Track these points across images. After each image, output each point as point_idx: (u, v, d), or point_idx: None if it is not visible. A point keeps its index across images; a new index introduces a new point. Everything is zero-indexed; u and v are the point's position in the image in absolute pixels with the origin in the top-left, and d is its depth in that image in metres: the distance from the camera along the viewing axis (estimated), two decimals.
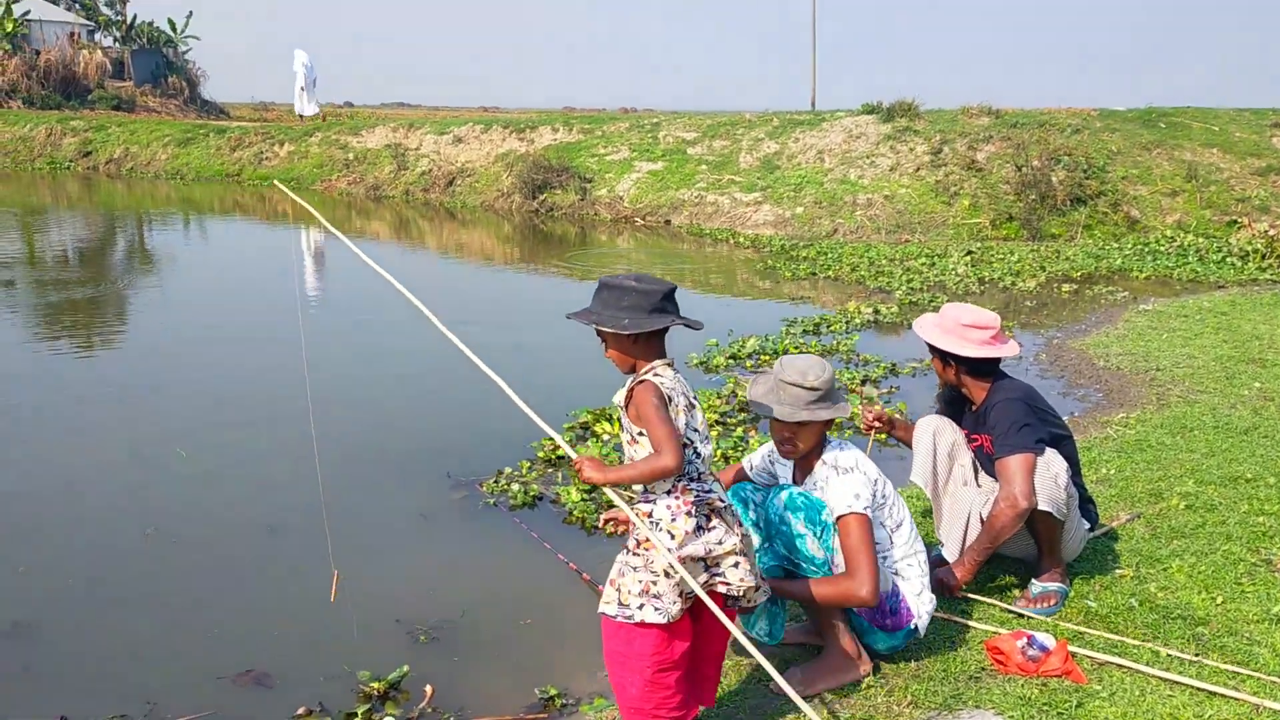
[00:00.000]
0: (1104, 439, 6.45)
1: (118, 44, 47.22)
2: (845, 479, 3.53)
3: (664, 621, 2.92)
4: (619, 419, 3.09)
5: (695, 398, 3.06)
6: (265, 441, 6.76)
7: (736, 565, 3.04)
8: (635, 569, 2.97)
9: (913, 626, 3.70)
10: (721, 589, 3.03)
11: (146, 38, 47.21)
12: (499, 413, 7.35)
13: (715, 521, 3.00)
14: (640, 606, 2.93)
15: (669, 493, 2.99)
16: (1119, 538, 4.83)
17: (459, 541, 5.27)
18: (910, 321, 10.06)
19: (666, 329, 3.02)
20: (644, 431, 2.95)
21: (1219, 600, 4.18)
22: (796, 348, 9.09)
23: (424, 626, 4.31)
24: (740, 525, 3.08)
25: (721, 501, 3.03)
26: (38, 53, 40.24)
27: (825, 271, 13.73)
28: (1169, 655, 3.77)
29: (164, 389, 8.10)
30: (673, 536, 2.95)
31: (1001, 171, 17.47)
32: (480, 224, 19.77)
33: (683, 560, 2.93)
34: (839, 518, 3.48)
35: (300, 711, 3.68)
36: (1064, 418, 7.01)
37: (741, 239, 17.10)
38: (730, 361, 8.65)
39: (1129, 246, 15.46)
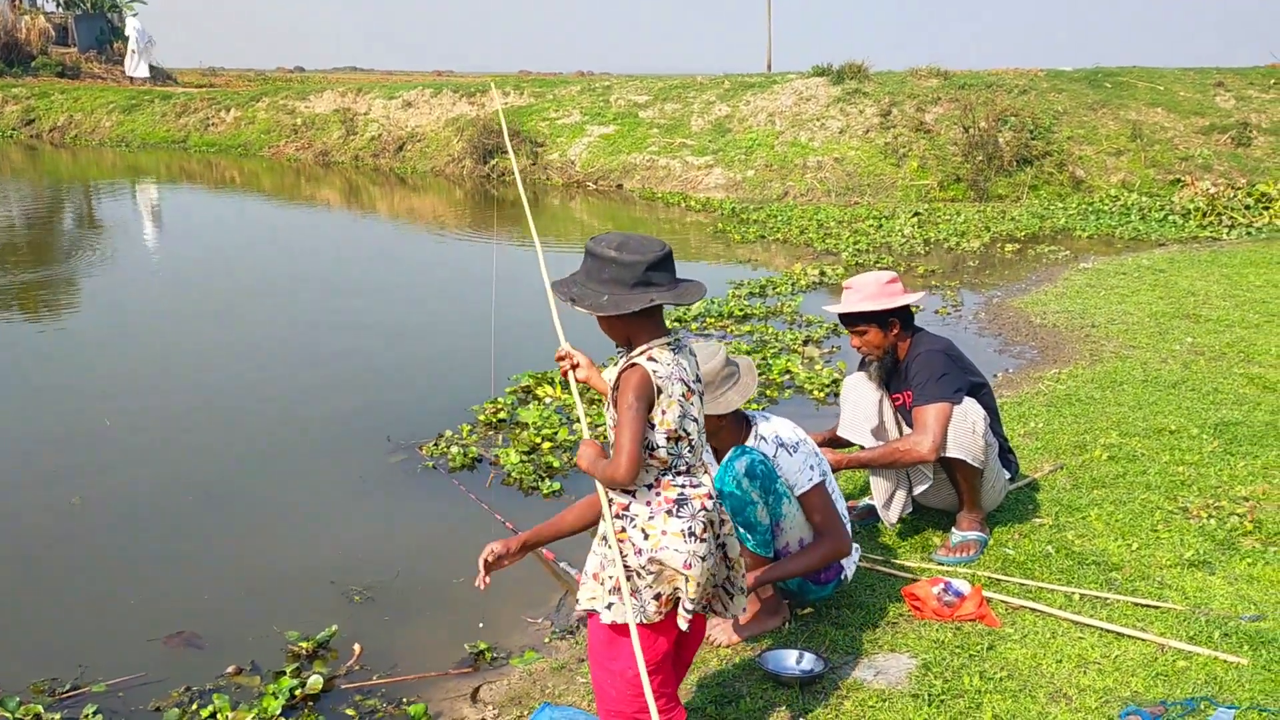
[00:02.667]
0: (1035, 394, 6.58)
1: (61, 9, 46.11)
2: (797, 455, 3.62)
3: (639, 621, 2.69)
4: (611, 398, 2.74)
5: (696, 381, 2.74)
6: (199, 410, 6.74)
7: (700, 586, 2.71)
8: (612, 562, 2.72)
9: (842, 577, 3.80)
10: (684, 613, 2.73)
11: (90, 3, 46.13)
12: (439, 378, 7.44)
13: (704, 532, 2.69)
14: (609, 606, 2.71)
15: (649, 487, 2.69)
16: (1041, 488, 4.96)
17: (397, 503, 5.31)
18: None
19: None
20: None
21: (1134, 546, 4.31)
22: (741, 310, 9.16)
23: (358, 587, 4.36)
24: (728, 521, 2.82)
25: (710, 500, 2.73)
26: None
27: (774, 234, 13.80)
28: (1081, 598, 3.90)
29: (98, 361, 8.04)
30: (647, 536, 2.67)
31: (949, 133, 17.59)
32: (431, 189, 19.65)
33: (654, 564, 2.67)
34: (803, 494, 3.58)
35: (230, 670, 3.72)
36: (998, 374, 7.22)
37: (693, 202, 17.12)
38: (675, 324, 8.70)
39: (1073, 206, 15.65)
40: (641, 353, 2.67)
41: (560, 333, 3.03)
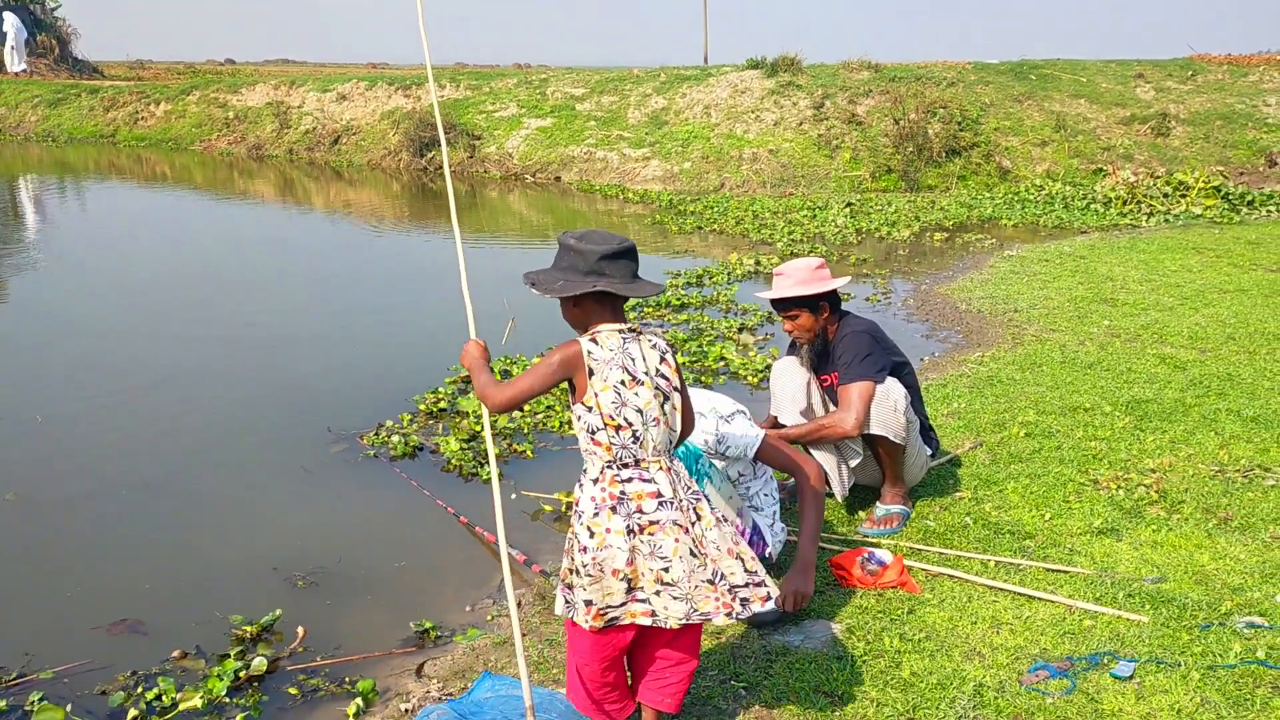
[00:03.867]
0: (959, 376, 6.82)
1: None
2: (735, 421, 3.82)
3: (570, 617, 2.79)
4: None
5: (656, 373, 2.78)
6: (135, 405, 6.74)
7: (659, 594, 2.73)
8: (566, 553, 2.82)
9: (766, 555, 3.96)
10: (643, 618, 2.75)
11: None
12: (379, 370, 7.50)
13: (652, 527, 2.71)
14: (558, 597, 2.82)
15: (595, 481, 2.75)
16: (962, 464, 5.18)
17: (339, 492, 5.39)
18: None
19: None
20: (572, 401, 2.79)
21: (1047, 516, 4.54)
22: (679, 300, 9.32)
23: (301, 573, 4.44)
24: (704, 516, 2.79)
25: (660, 496, 2.73)
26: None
27: (711, 225, 13.99)
28: (997, 565, 4.11)
29: (26, 358, 7.97)
30: (592, 534, 2.71)
31: (881, 125, 17.91)
32: (368, 183, 19.57)
33: (597, 568, 2.71)
34: (756, 452, 3.79)
35: (175, 655, 3.80)
36: (924, 358, 7.45)
37: (631, 194, 17.27)
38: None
39: (1000, 196, 16.06)
40: (588, 334, 2.78)
41: (472, 328, 3.31)
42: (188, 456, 5.86)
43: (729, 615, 2.77)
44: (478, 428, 6.03)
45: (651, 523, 2.72)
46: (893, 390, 4.38)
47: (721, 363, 7.37)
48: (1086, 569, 4.05)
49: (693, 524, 2.77)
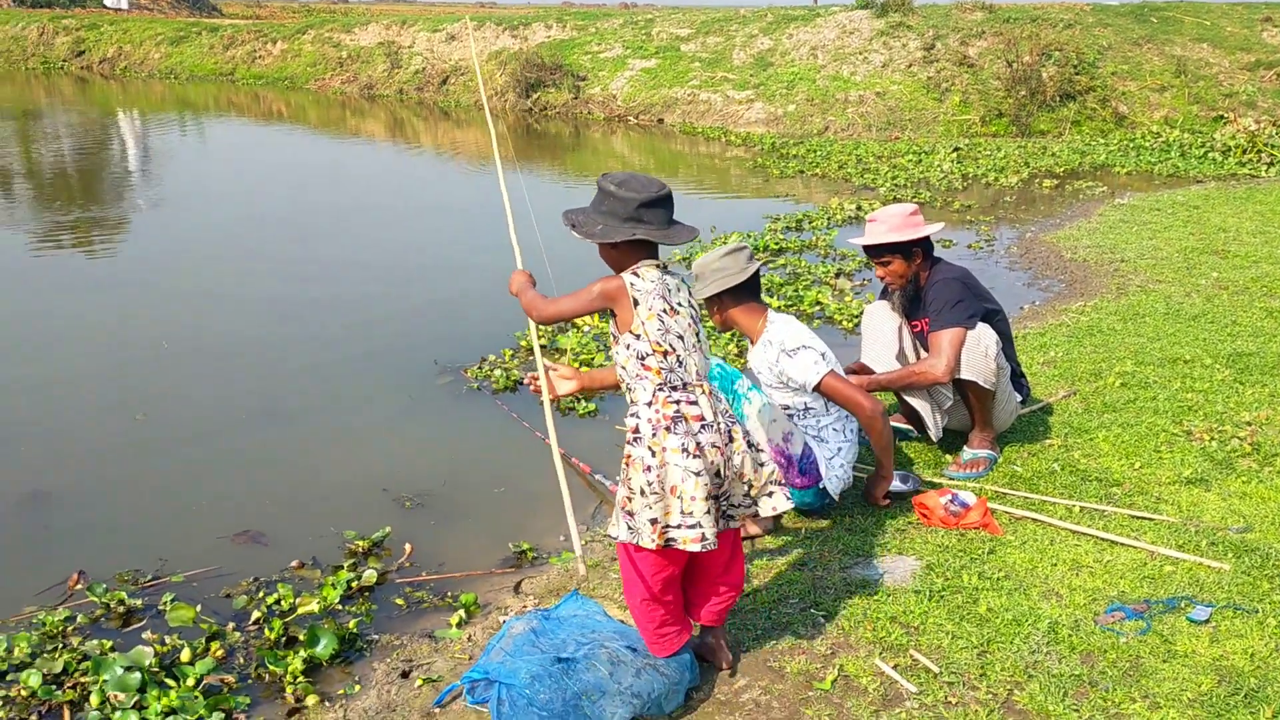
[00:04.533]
0: (1058, 325, 6.79)
1: None
2: (797, 358, 3.91)
3: (635, 543, 2.91)
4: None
5: (688, 303, 2.97)
6: (255, 337, 7.12)
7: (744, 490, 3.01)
8: (621, 485, 2.94)
9: (821, 487, 4.06)
10: (693, 545, 2.89)
11: None
12: (485, 306, 7.75)
13: (712, 441, 2.90)
14: (616, 524, 2.93)
15: (648, 404, 2.91)
16: (1054, 412, 5.20)
17: (444, 421, 5.65)
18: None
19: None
20: (618, 332, 2.95)
21: (1136, 465, 4.56)
22: (777, 244, 9.37)
23: (409, 494, 4.71)
24: (736, 439, 2.98)
25: (706, 416, 2.91)
26: None
27: (813, 169, 13.92)
28: (1081, 510, 4.17)
29: (152, 290, 8.40)
30: (653, 454, 2.87)
31: (993, 68, 17.49)
32: (474, 123, 19.85)
33: (661, 486, 2.86)
34: (815, 387, 3.90)
35: (293, 565, 4.10)
36: (1024, 306, 7.42)
37: (733, 137, 17.22)
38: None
39: (1114, 142, 15.60)
40: (630, 270, 2.94)
41: (519, 259, 3.82)
42: (304, 383, 6.19)
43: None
44: (575, 364, 6.22)
45: (699, 444, 2.88)
46: (984, 336, 4.43)
47: (817, 307, 7.43)
48: (1172, 517, 4.08)
49: (725, 445, 2.95)
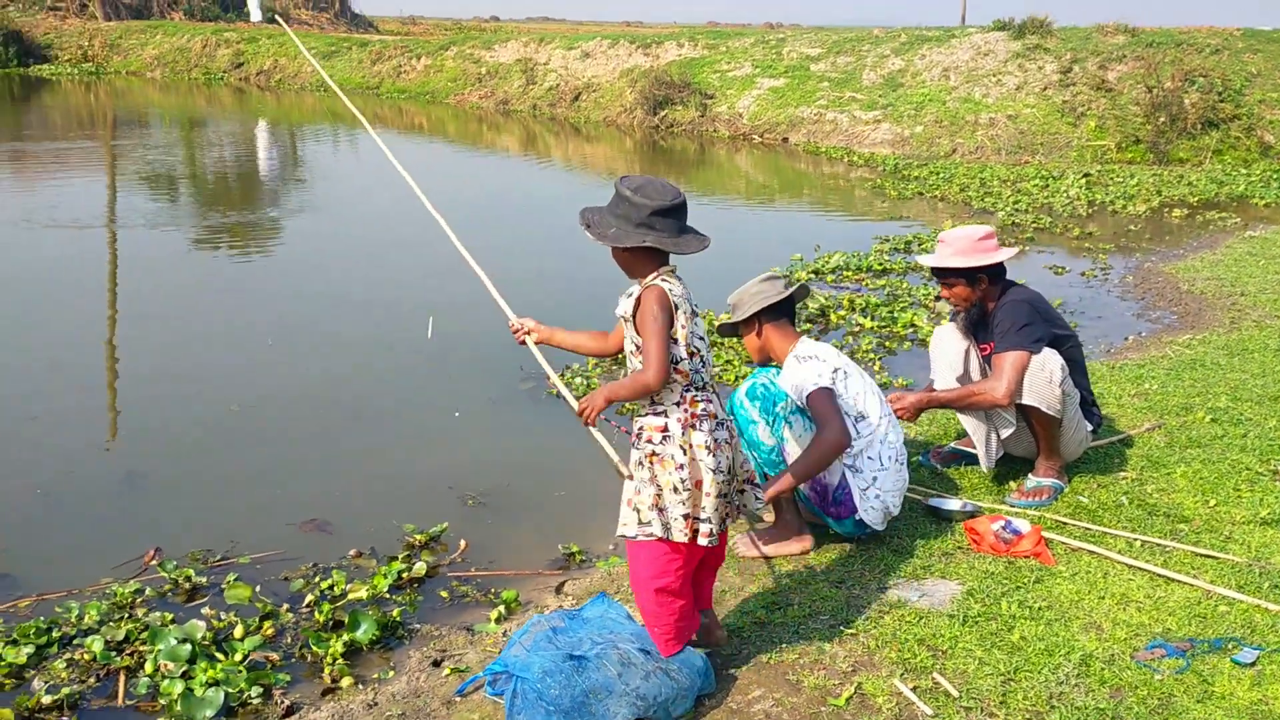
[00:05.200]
0: (1160, 357, 6.55)
1: None
2: (805, 365, 3.93)
3: (666, 538, 2.99)
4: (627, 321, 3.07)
5: (696, 305, 3.09)
6: (354, 332, 7.44)
7: (744, 492, 3.15)
8: (645, 484, 3.00)
9: (857, 518, 4.00)
10: (701, 539, 3.02)
11: None
12: (580, 315, 7.89)
13: (717, 448, 3.00)
14: (649, 523, 2.99)
15: (677, 404, 3.00)
16: (1134, 444, 5.04)
17: (518, 424, 5.79)
18: (1005, 241, 10.13)
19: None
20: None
21: (1211, 503, 4.38)
22: (881, 265, 9.28)
23: (473, 492, 4.86)
24: (735, 436, 3.13)
25: (719, 415, 3.04)
26: None
27: (933, 191, 13.71)
28: (1143, 545, 4.03)
29: (275, 291, 8.84)
30: (684, 451, 2.97)
31: (1132, 93, 16.91)
32: (602, 139, 20.17)
33: (693, 482, 2.97)
34: (806, 397, 3.86)
35: (351, 553, 4.28)
36: (1129, 337, 7.19)
37: (856, 158, 17.08)
38: (812, 276, 8.91)
39: (1257, 173, 14.88)
40: (657, 276, 3.01)
41: (504, 307, 3.82)
42: (392, 382, 6.44)
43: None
44: None
45: (715, 441, 3.01)
46: (1049, 361, 4.33)
47: (910, 329, 7.35)
48: (1238, 557, 3.91)
49: (733, 440, 3.10)
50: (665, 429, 3.00)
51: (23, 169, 15.45)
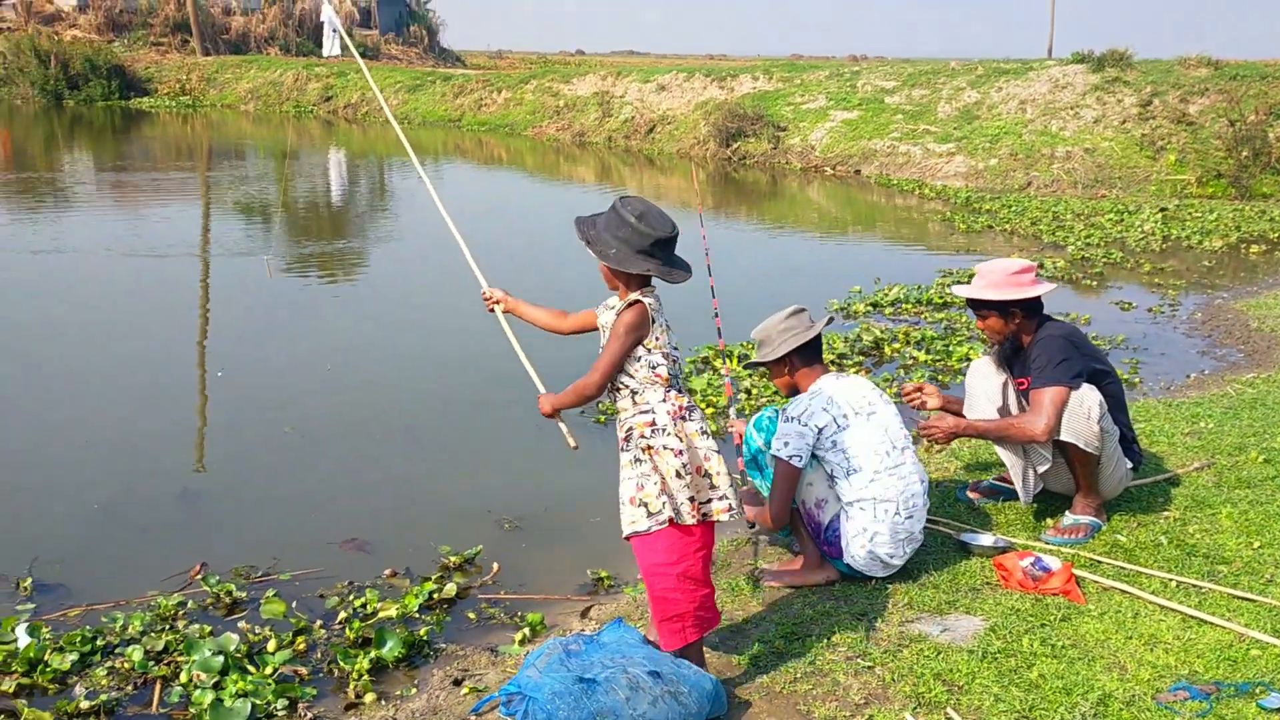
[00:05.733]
0: (1220, 395, 6.41)
1: None
2: (785, 426, 3.93)
3: (678, 521, 3.16)
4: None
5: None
6: (410, 355, 7.67)
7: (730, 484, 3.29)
8: (648, 476, 3.17)
9: (844, 563, 3.99)
10: (723, 515, 3.24)
11: None
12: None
13: (706, 430, 3.24)
14: (659, 511, 3.14)
15: (662, 401, 3.19)
16: (1180, 483, 4.94)
17: (560, 451, 5.80)
18: (1074, 276, 10.00)
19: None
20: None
21: (1255, 545, 4.28)
22: (941, 298, 9.22)
23: (509, 516, 4.96)
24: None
25: (696, 409, 3.28)
26: (294, 2, 43.42)
27: (1004, 225, 13.57)
28: (1178, 586, 3.96)
29: (341, 317, 9.08)
30: (679, 439, 3.16)
31: (1214, 126, 16.56)
32: (675, 171, 20.33)
33: (693, 466, 3.18)
34: (773, 453, 3.93)
35: (386, 573, 4.39)
36: (1191, 375, 7.04)
37: (928, 190, 16.96)
38: (870, 309, 8.89)
39: None
40: (634, 292, 3.22)
41: (480, 277, 4.01)
42: (441, 408, 6.61)
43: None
44: (701, 404, 6.33)
45: (704, 430, 3.26)
46: (1087, 397, 4.28)
47: (965, 363, 7.28)
48: (1278, 600, 3.82)
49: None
50: (653, 423, 3.18)
51: (123, 198, 16.06)
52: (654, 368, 3.20)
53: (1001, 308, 4.40)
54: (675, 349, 3.29)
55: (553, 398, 3.36)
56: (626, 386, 3.25)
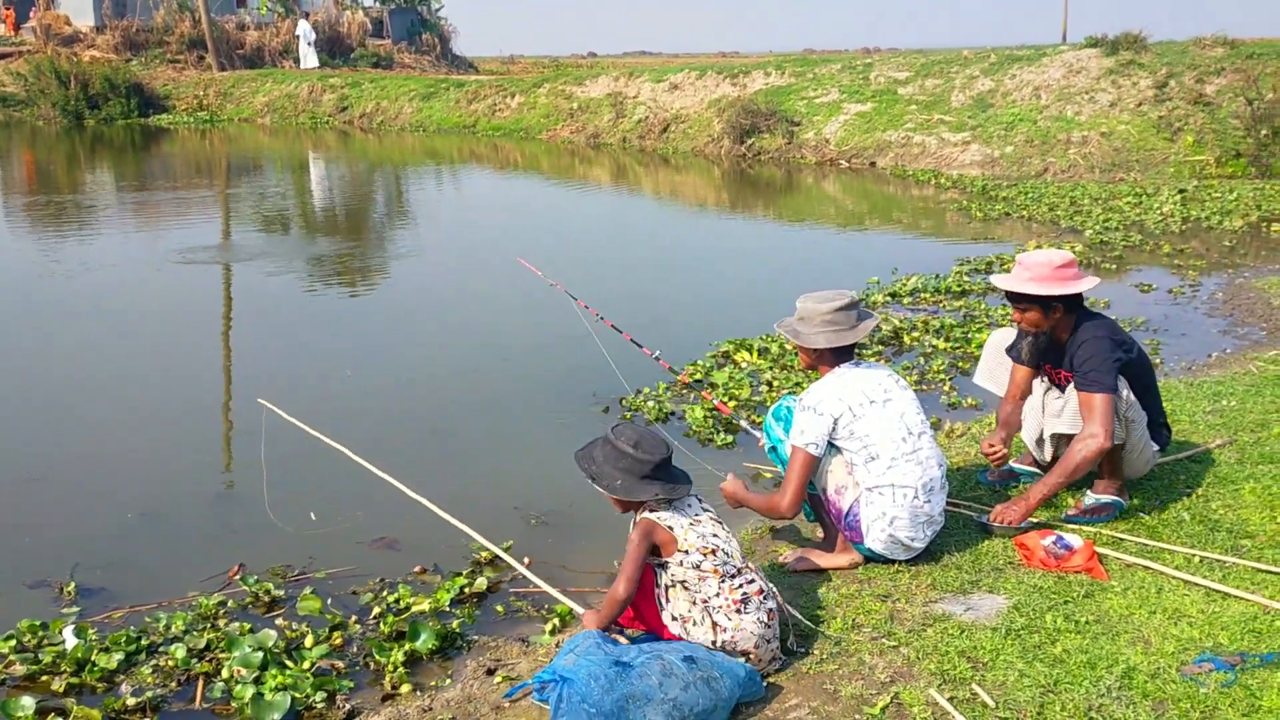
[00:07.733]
0: (1242, 374, 6.42)
1: (377, 4, 50.38)
2: (801, 415, 3.98)
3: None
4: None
5: (702, 506, 3.46)
6: (439, 357, 7.74)
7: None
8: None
9: (865, 547, 4.03)
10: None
11: None
12: (657, 340, 8.03)
13: (770, 617, 3.37)
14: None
15: (717, 594, 3.33)
16: (1202, 460, 4.96)
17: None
18: (1093, 260, 9.98)
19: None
20: (666, 558, 3.37)
21: (1278, 519, 4.30)
22: (960, 286, 9.24)
23: (538, 512, 5.03)
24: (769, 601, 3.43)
25: (765, 589, 3.40)
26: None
27: (1021, 211, 13.55)
28: (1201, 560, 3.99)
29: (361, 324, 9.18)
30: (724, 629, 3.32)
31: (1231, 106, 16.47)
32: (690, 169, 20.36)
33: (730, 646, 3.34)
34: (790, 443, 4.00)
35: (417, 569, 4.48)
36: (1213, 354, 7.04)
37: (944, 180, 16.93)
38: (888, 299, 8.92)
39: None
40: (644, 509, 3.40)
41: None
42: (469, 407, 6.69)
43: None
44: (724, 398, 6.38)
45: (769, 612, 3.43)
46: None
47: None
48: None
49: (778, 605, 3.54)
50: (690, 617, 3.38)
51: (146, 215, 16.22)
52: (697, 566, 3.33)
53: (1044, 302, 4.34)
54: (717, 535, 3.38)
55: (594, 615, 3.48)
56: (678, 582, 3.39)
